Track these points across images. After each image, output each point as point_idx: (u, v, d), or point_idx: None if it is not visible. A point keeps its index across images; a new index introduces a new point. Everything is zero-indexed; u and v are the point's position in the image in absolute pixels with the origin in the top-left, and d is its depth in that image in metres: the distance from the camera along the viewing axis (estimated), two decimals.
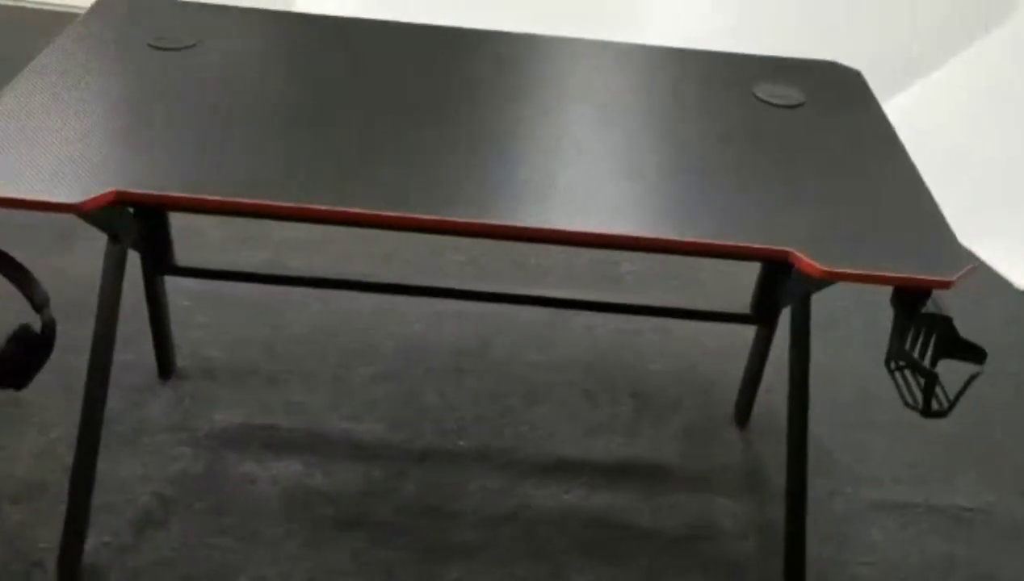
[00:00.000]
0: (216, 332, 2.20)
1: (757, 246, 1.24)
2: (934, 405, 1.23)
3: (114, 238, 1.68)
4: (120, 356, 2.07)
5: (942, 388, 1.24)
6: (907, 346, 1.27)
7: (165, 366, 2.06)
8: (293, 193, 1.27)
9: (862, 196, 1.38)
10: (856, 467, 2.02)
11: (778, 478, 1.94)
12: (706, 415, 2.11)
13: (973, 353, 1.22)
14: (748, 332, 1.99)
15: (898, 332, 1.27)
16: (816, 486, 1.96)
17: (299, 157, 1.37)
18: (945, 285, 1.20)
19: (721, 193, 1.35)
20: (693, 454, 2.02)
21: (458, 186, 1.32)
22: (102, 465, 1.86)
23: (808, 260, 1.21)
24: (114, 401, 1.99)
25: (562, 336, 2.28)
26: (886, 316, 1.32)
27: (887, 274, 1.20)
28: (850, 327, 2.37)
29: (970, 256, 2.38)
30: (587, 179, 1.36)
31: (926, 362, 1.25)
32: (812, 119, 1.57)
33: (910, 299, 1.25)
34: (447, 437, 2.00)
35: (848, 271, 1.20)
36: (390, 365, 2.16)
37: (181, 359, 2.11)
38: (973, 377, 1.21)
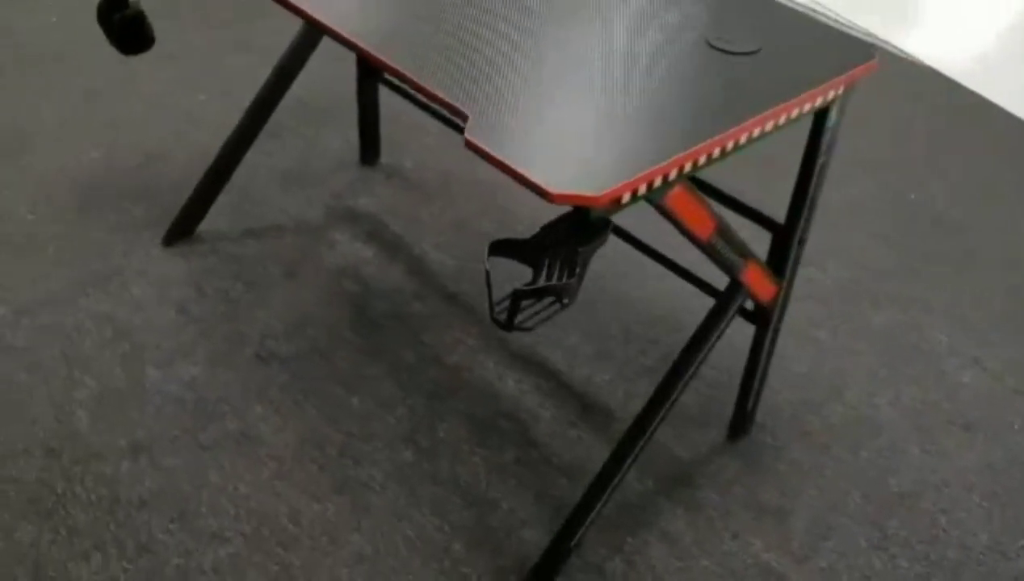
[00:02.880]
0: (435, 155, 2.62)
1: (440, 95, 1.28)
2: (496, 313, 1.17)
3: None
4: (351, 137, 2.65)
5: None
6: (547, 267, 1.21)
7: (367, 156, 2.56)
8: None
9: (625, 116, 1.27)
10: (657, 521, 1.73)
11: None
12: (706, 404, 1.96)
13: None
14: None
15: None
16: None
17: None
18: (547, 196, 1.12)
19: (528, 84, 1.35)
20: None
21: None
22: (271, 190, 2.46)
23: (469, 128, 1.23)
24: (319, 164, 2.58)
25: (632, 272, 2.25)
26: None
27: (509, 164, 1.17)
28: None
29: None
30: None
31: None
32: (727, 64, 1.41)
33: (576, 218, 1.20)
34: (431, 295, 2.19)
35: (484, 149, 1.19)
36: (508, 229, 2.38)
37: (387, 157, 2.59)
38: (518, 293, 1.13)
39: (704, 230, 1.43)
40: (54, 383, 1.93)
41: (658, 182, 1.27)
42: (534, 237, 1.24)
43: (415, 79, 1.35)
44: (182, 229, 2.30)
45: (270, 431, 1.87)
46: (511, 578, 1.65)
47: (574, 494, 1.77)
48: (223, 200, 2.36)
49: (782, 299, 1.72)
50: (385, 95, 2.44)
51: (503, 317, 1.18)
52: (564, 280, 1.19)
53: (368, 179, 2.53)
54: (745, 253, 1.54)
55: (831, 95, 1.46)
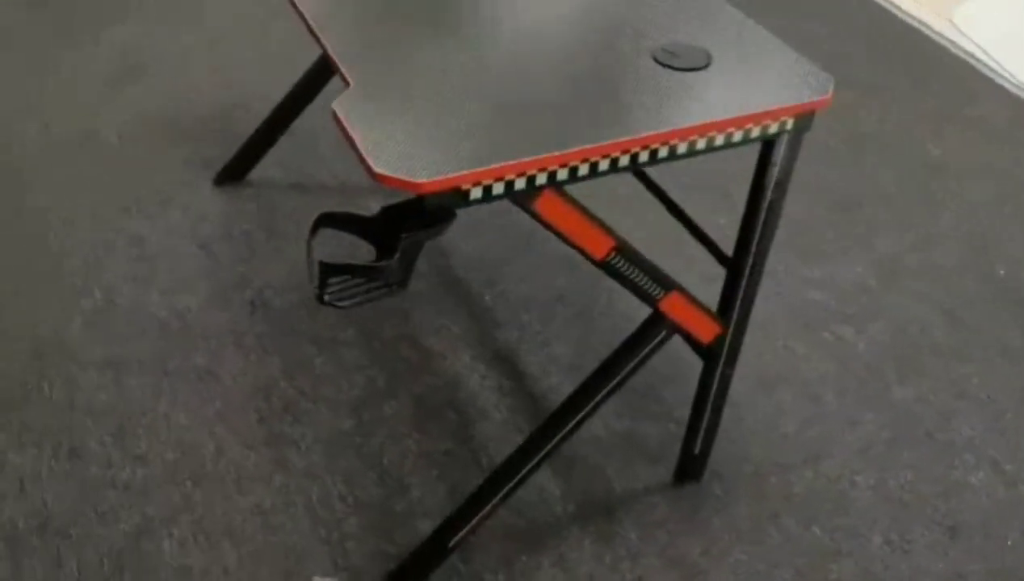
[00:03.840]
0: None
1: (337, 62, 1.27)
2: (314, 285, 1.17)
3: None
4: None
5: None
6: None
7: None
8: None
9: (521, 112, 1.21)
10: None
11: None
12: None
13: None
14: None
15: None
16: None
17: None
18: (371, 174, 1.11)
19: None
20: None
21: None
22: (332, 150, 2.53)
23: (339, 99, 1.22)
24: None
25: None
26: None
27: (351, 136, 1.15)
28: None
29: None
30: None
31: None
32: (662, 76, 1.31)
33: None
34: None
35: (339, 117, 1.18)
36: None
37: None
38: (324, 266, 1.13)
39: (598, 248, 1.34)
40: (67, 289, 2.09)
41: (520, 184, 1.20)
42: (375, 216, 1.22)
43: (324, 41, 1.35)
44: (234, 172, 2.41)
45: (231, 373, 1.93)
46: (389, 565, 1.63)
47: None
48: (285, 153, 2.46)
49: (730, 343, 1.59)
50: None
51: (320, 294, 1.16)
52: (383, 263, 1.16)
53: None
54: (665, 282, 1.44)
55: (772, 126, 1.33)
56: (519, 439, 1.83)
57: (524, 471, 1.56)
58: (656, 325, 1.49)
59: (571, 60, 1.36)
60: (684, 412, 1.90)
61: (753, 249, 1.47)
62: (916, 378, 2.02)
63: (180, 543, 1.64)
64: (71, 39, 2.92)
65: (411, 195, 1.17)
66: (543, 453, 1.56)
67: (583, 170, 1.23)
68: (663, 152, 1.27)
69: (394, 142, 1.17)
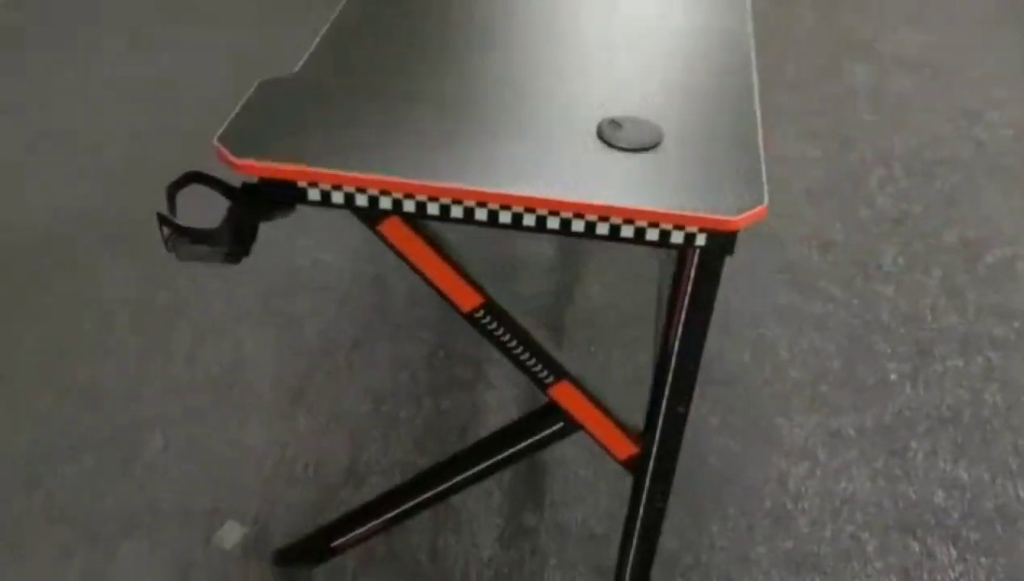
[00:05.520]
0: None
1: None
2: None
3: None
4: None
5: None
6: None
7: None
8: None
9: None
10: None
11: None
12: None
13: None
14: None
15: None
16: None
17: None
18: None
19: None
20: None
21: None
22: None
23: (266, 80, 1.28)
24: None
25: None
26: None
27: (239, 105, 1.21)
28: None
29: None
30: None
31: None
32: (589, 142, 1.17)
33: None
34: None
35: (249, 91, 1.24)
36: None
37: None
38: (159, 216, 1.20)
39: (464, 300, 1.25)
40: None
41: (361, 200, 1.17)
42: (238, 188, 1.26)
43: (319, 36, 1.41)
44: None
45: (314, 328, 2.09)
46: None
47: (422, 531, 1.68)
48: None
49: (655, 471, 1.37)
50: None
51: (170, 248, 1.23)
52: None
53: None
54: (554, 368, 1.30)
55: (674, 234, 1.13)
56: (494, 487, 1.77)
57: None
58: (550, 414, 1.35)
59: (512, 107, 1.27)
60: (671, 543, 1.69)
61: (671, 369, 1.26)
62: None
63: (163, 444, 1.83)
64: None
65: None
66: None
67: (432, 209, 1.17)
68: (529, 219, 1.15)
69: (264, 124, 1.20)
